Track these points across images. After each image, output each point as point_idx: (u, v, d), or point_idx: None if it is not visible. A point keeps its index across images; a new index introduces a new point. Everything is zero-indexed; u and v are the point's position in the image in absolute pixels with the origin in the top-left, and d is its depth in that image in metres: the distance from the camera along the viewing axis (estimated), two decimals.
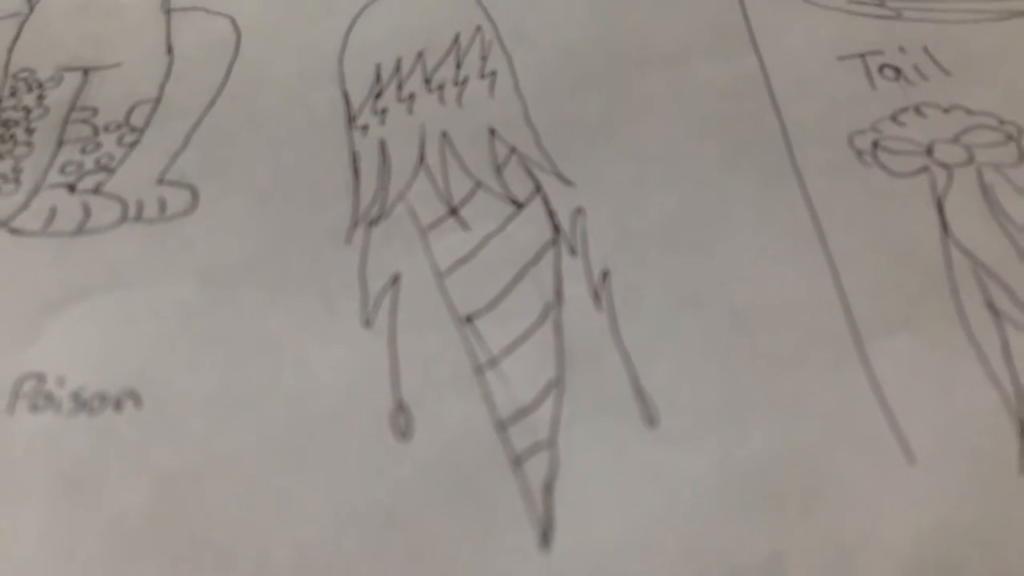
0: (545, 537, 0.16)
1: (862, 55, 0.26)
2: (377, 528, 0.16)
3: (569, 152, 0.23)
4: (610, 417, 0.18)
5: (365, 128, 0.23)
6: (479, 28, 0.26)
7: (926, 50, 0.26)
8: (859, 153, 0.23)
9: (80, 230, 0.21)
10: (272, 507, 0.17)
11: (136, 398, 0.18)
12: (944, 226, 0.21)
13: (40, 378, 0.18)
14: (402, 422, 0.18)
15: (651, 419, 0.18)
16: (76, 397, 0.18)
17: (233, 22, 0.26)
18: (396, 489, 0.17)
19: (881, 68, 0.25)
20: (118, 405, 0.18)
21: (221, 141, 0.23)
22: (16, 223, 0.21)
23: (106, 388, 0.18)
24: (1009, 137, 0.23)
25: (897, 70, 0.25)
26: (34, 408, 0.18)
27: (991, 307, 0.20)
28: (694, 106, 0.24)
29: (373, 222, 0.21)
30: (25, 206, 0.21)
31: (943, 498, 0.17)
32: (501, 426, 0.18)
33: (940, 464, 0.17)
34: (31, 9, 0.26)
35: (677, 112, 0.24)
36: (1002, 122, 0.24)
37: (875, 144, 0.23)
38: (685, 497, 0.17)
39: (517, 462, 0.17)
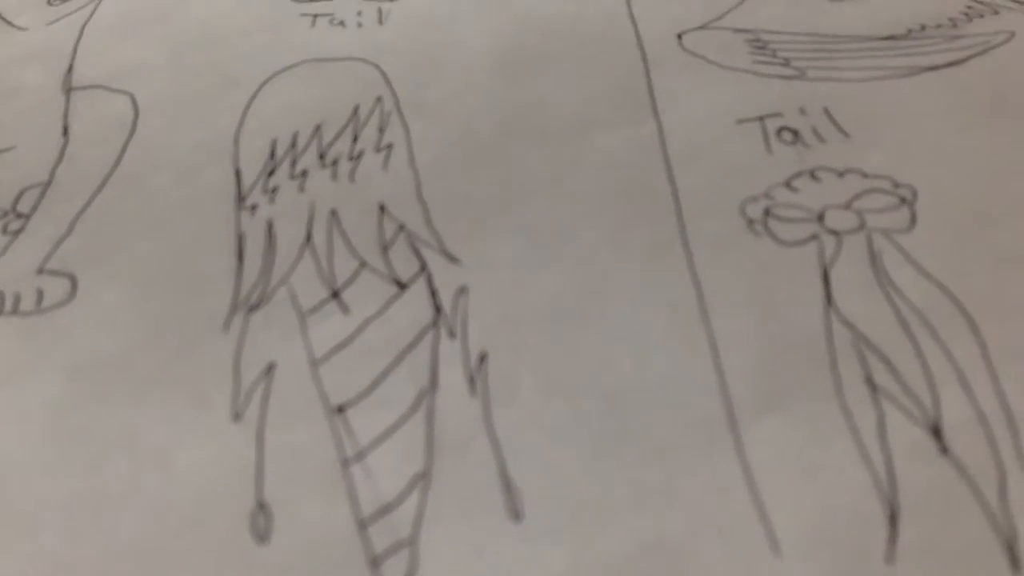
0: None
1: (761, 118, 0.26)
2: None
3: (459, 229, 0.23)
4: (475, 512, 0.17)
5: (254, 208, 0.23)
6: (379, 99, 0.26)
7: (826, 111, 0.26)
8: (750, 222, 0.23)
9: None
10: None
11: None
12: (828, 297, 0.21)
13: None
14: (261, 524, 0.17)
15: (516, 513, 0.18)
16: None
17: (133, 99, 0.26)
18: None
19: (779, 131, 0.25)
20: None
21: (107, 226, 0.22)
22: None
23: None
24: (903, 200, 0.23)
25: (795, 133, 0.25)
26: None
27: (869, 382, 0.20)
28: (589, 179, 0.24)
29: (253, 308, 0.21)
30: None
31: None
32: (362, 525, 0.17)
33: (805, 555, 0.17)
34: None
35: (571, 185, 0.24)
36: (897, 185, 0.24)
37: (766, 212, 0.23)
38: None
39: (375, 563, 0.17)
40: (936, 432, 0.19)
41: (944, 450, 0.18)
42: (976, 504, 0.18)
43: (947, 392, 0.19)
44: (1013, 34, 0.28)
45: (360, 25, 0.29)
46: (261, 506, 0.18)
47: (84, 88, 0.26)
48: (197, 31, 0.28)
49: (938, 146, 0.25)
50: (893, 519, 0.17)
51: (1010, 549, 0.17)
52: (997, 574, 0.17)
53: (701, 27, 0.29)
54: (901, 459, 0.18)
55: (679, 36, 0.28)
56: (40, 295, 0.21)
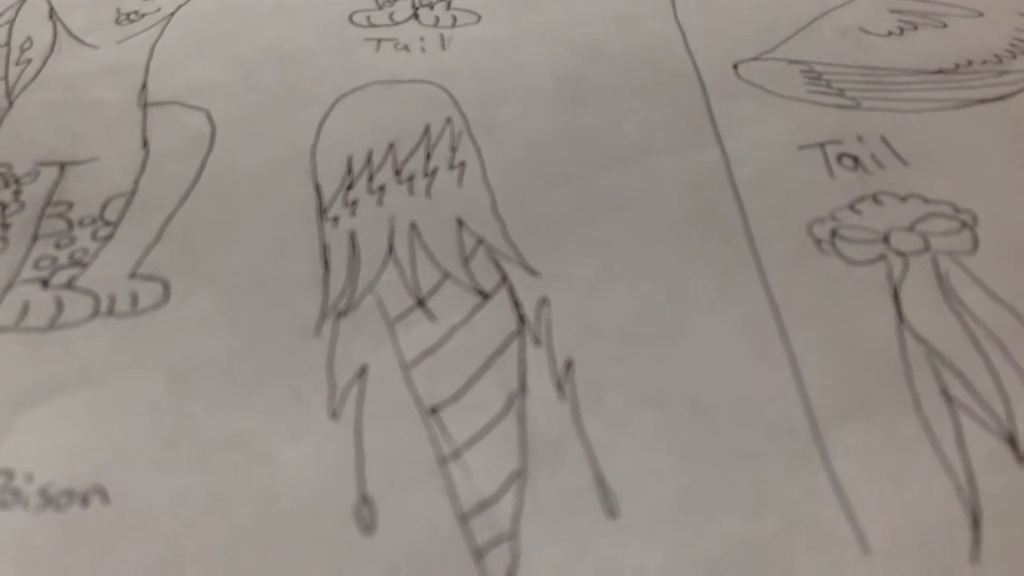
0: None
1: (821, 144, 0.27)
2: None
3: (535, 244, 0.24)
4: (572, 509, 0.18)
5: (336, 220, 0.24)
6: (449, 120, 0.27)
7: (883, 139, 0.27)
8: (818, 242, 0.24)
9: (52, 325, 0.21)
10: None
11: (103, 495, 0.18)
12: (900, 314, 0.22)
13: (8, 474, 0.19)
14: (366, 516, 0.18)
15: (612, 511, 0.18)
16: (43, 493, 0.18)
17: (208, 116, 0.27)
18: None
19: (840, 157, 0.27)
20: (85, 501, 0.18)
21: (194, 234, 0.23)
22: None
23: (73, 485, 0.18)
24: (964, 225, 0.24)
25: (855, 159, 0.27)
26: (2, 505, 0.18)
27: (945, 395, 0.21)
28: (658, 200, 0.25)
29: (342, 314, 0.22)
30: None
31: None
32: (463, 519, 0.18)
33: (894, 555, 0.18)
34: (10, 104, 0.27)
35: (641, 207, 0.25)
36: (958, 210, 0.25)
37: (833, 233, 0.24)
38: None
39: (479, 555, 0.18)
40: (1012, 442, 0.20)
41: (1021, 459, 0.19)
42: None
43: (1020, 404, 0.20)
44: None
45: (423, 50, 0.30)
46: (365, 499, 0.18)
47: (160, 104, 0.27)
48: (266, 53, 0.29)
49: (994, 175, 0.26)
50: (976, 523, 0.18)
51: None
52: None
53: (755, 58, 0.30)
54: (980, 467, 0.19)
55: (735, 66, 0.30)
56: (135, 298, 0.22)
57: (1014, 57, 0.30)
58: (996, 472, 0.19)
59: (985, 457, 0.19)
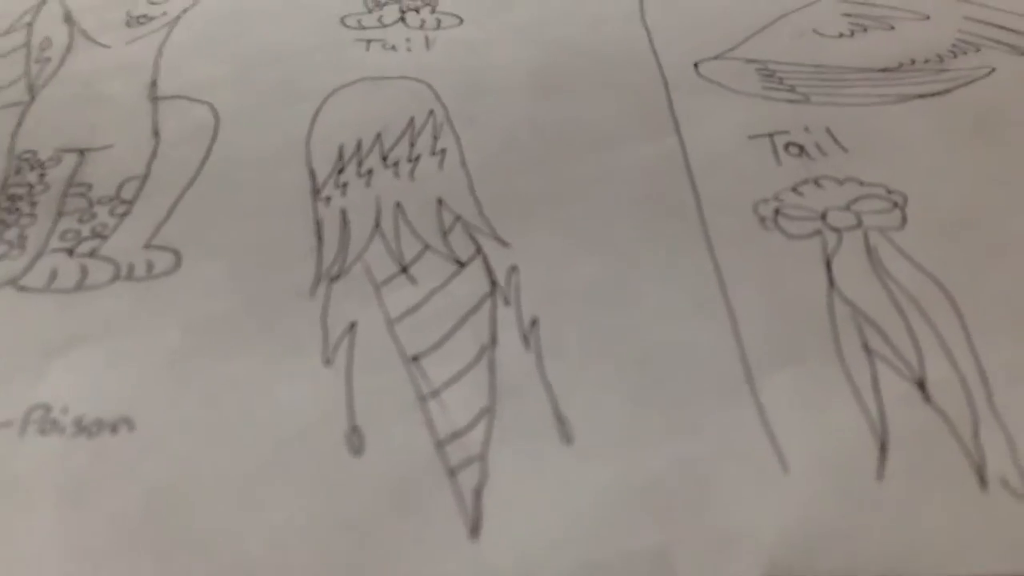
0: (474, 531, 0.21)
1: (770, 134, 0.31)
2: (335, 525, 0.21)
3: (507, 220, 0.28)
4: (533, 437, 0.22)
5: (328, 199, 0.28)
6: (431, 112, 0.31)
7: (828, 130, 0.31)
8: (762, 219, 0.28)
9: (78, 287, 0.26)
10: (248, 512, 0.21)
11: (130, 423, 0.22)
12: (831, 281, 0.26)
13: (47, 408, 0.23)
14: (356, 441, 0.22)
15: (568, 438, 0.22)
16: (78, 423, 0.22)
17: (212, 108, 0.31)
18: (350, 496, 0.21)
19: (787, 146, 0.31)
20: (114, 429, 0.22)
21: (201, 212, 0.28)
22: (23, 282, 0.26)
23: (103, 415, 0.22)
24: (895, 205, 0.29)
25: (801, 147, 0.31)
26: (42, 432, 0.22)
27: (866, 347, 0.25)
28: (619, 184, 0.29)
29: (334, 279, 0.26)
30: (30, 268, 0.26)
31: (810, 499, 0.21)
32: (439, 445, 0.22)
33: (810, 473, 0.22)
34: (33, 98, 0.31)
35: (604, 189, 0.29)
36: (890, 192, 0.29)
37: (776, 211, 0.28)
38: (593, 500, 0.21)
39: (452, 473, 0.22)
40: (921, 385, 0.24)
41: (927, 399, 0.23)
42: (952, 439, 0.23)
43: (931, 355, 0.24)
44: (993, 69, 0.34)
45: (409, 50, 0.34)
46: (354, 428, 0.22)
47: (168, 98, 0.31)
48: (264, 52, 0.33)
49: (926, 161, 0.30)
50: (883, 448, 0.22)
51: (979, 473, 0.22)
52: (968, 490, 0.22)
53: (715, 57, 0.34)
54: (891, 405, 0.23)
55: (696, 65, 0.34)
56: (151, 265, 0.26)
57: (955, 57, 0.34)
58: (905, 409, 0.23)
59: (896, 397, 0.24)
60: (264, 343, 0.24)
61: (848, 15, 0.36)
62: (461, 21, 0.36)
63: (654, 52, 0.34)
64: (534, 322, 0.25)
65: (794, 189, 0.29)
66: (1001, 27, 0.35)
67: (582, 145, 0.30)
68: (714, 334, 0.25)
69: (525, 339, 0.25)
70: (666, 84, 0.33)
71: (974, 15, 0.36)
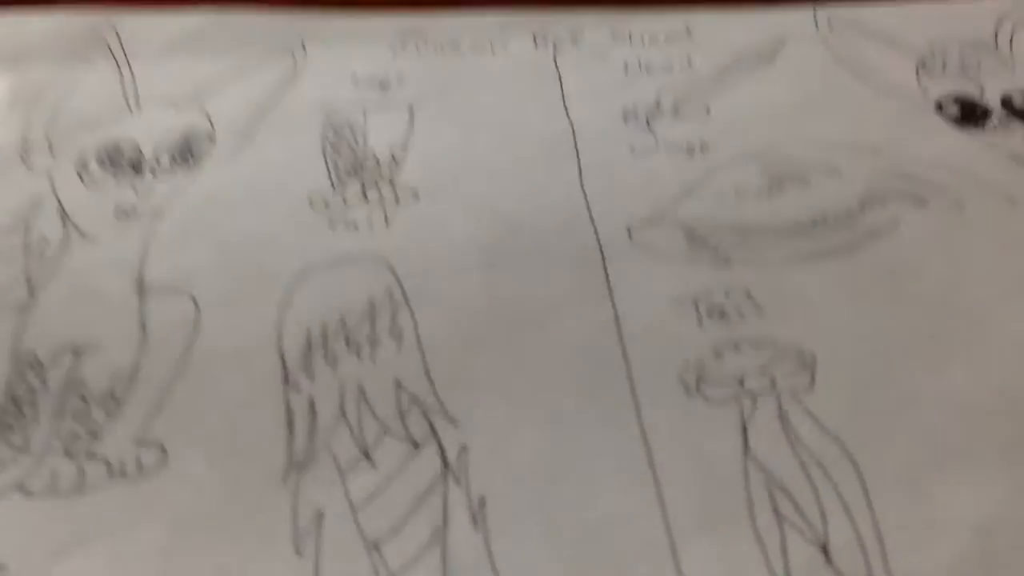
0: None
1: (694, 299, 0.34)
2: None
3: (458, 398, 0.31)
4: None
5: (298, 387, 0.31)
6: (390, 292, 0.35)
7: (747, 291, 0.35)
8: (686, 386, 0.31)
9: (77, 490, 0.29)
10: None
11: None
12: (746, 446, 0.29)
13: None
14: None
15: None
16: None
17: (194, 299, 0.34)
18: None
19: (709, 309, 0.34)
20: None
21: (185, 406, 0.31)
22: (28, 486, 0.29)
23: None
24: (804, 366, 0.32)
25: (722, 310, 0.34)
26: None
27: (776, 513, 0.28)
28: (560, 355, 0.32)
29: (303, 467, 0.29)
30: (34, 471, 0.29)
31: None
32: None
33: None
34: (33, 299, 0.34)
35: (546, 362, 0.32)
36: (801, 353, 0.32)
37: (699, 378, 0.32)
38: None
39: None
40: (824, 549, 0.27)
41: (829, 562, 0.26)
42: None
43: (834, 519, 0.27)
44: (898, 223, 0.37)
45: (371, 227, 0.37)
46: None
47: (154, 290, 0.35)
48: (239, 238, 0.37)
49: (834, 320, 0.33)
50: None
51: None
52: None
53: (646, 221, 0.38)
54: (797, 570, 0.26)
55: (629, 230, 0.37)
56: (139, 463, 0.29)
57: (863, 212, 0.38)
58: (809, 573, 0.26)
59: (802, 562, 0.27)
60: (243, 534, 0.27)
61: (767, 173, 0.40)
62: (417, 195, 0.39)
63: (592, 220, 0.38)
64: (482, 501, 0.28)
65: (715, 354, 0.32)
66: (904, 177, 0.39)
67: (527, 319, 0.34)
68: (642, 504, 0.28)
69: (474, 519, 0.28)
70: (602, 253, 0.36)
71: (880, 166, 0.40)
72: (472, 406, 0.31)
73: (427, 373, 0.32)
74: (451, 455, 0.29)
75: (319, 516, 0.28)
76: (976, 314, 0.33)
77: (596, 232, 0.37)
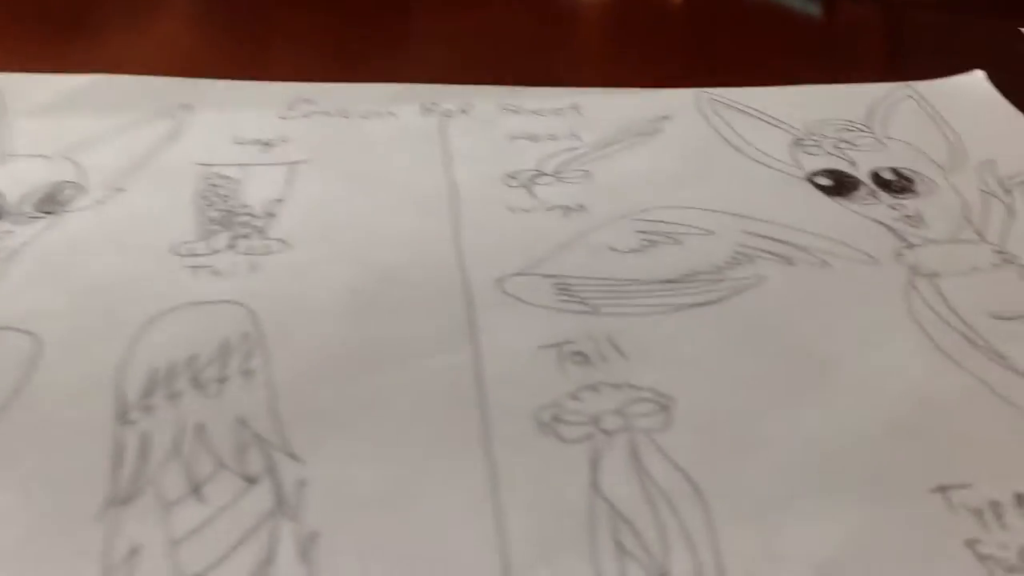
0: None
1: (559, 345, 0.34)
2: None
3: (304, 436, 0.29)
4: None
5: (132, 423, 0.30)
6: (247, 334, 0.33)
7: (611, 339, 0.34)
8: (540, 425, 0.30)
9: None
10: None
11: None
12: (595, 481, 0.28)
13: None
14: None
15: None
16: None
17: (37, 338, 0.33)
18: None
19: (571, 355, 0.33)
20: None
21: (5, 441, 0.29)
22: None
23: None
24: (662, 407, 0.31)
25: (585, 355, 0.33)
26: None
27: (618, 544, 0.26)
28: (414, 395, 0.31)
29: (124, 501, 0.27)
30: None
31: None
32: None
33: None
34: None
35: (400, 400, 0.31)
36: (660, 395, 0.31)
37: (554, 417, 0.31)
38: None
39: None
40: None
41: None
42: None
43: (676, 550, 0.26)
44: (764, 278, 0.37)
45: (235, 274, 0.36)
46: None
47: None
48: (95, 282, 0.36)
49: (695, 365, 0.33)
50: None
51: None
52: None
53: (518, 273, 0.37)
54: None
55: (499, 280, 0.37)
56: None
57: (731, 268, 0.38)
58: None
59: None
60: (48, 570, 0.25)
61: (642, 232, 0.40)
62: (288, 246, 0.38)
63: (463, 270, 0.37)
64: (314, 537, 0.26)
65: (573, 395, 0.31)
66: (774, 239, 0.39)
67: (387, 360, 0.33)
68: (481, 537, 0.26)
69: (303, 554, 0.26)
70: (469, 301, 0.35)
71: (751, 229, 0.40)
72: (318, 442, 0.29)
73: (274, 410, 0.30)
74: (287, 490, 0.28)
75: (135, 551, 0.26)
76: (832, 362, 0.33)
77: (466, 282, 0.36)
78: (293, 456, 0.29)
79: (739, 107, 0.50)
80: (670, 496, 0.28)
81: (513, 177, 0.43)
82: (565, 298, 0.36)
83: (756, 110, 0.49)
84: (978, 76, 0.53)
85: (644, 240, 0.39)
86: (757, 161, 0.45)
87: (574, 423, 0.30)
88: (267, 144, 0.45)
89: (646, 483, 0.28)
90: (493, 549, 0.26)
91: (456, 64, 0.55)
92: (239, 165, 0.43)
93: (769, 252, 0.38)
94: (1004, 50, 0.57)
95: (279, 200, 0.41)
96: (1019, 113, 0.49)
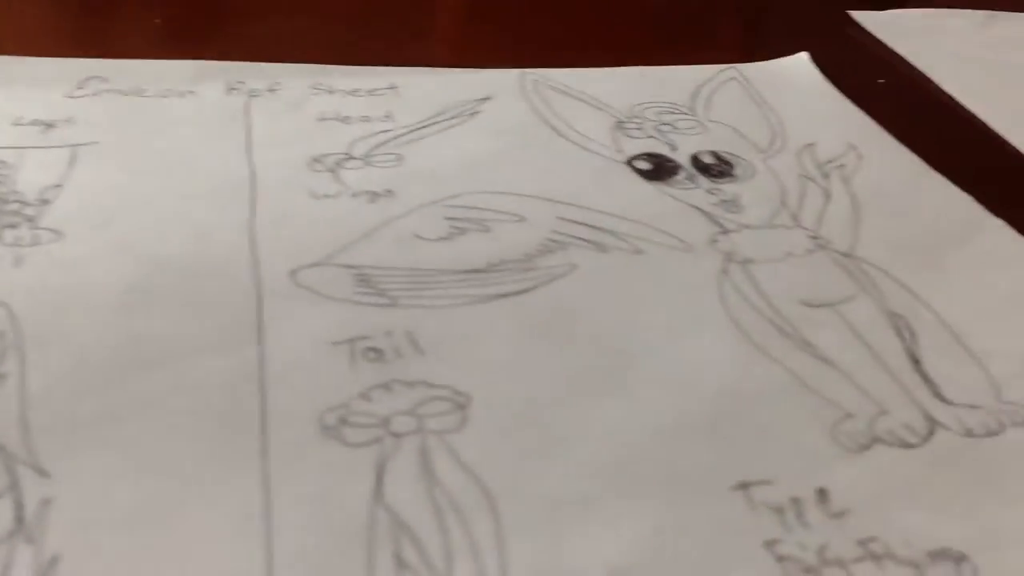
0: None
1: (352, 340, 0.31)
2: None
3: (57, 446, 0.27)
4: None
5: None
6: (1, 333, 0.30)
7: (409, 333, 0.32)
8: (325, 429, 0.28)
9: None
10: None
11: None
12: (378, 490, 0.26)
13: None
14: None
15: None
16: None
17: None
18: None
19: (365, 351, 0.31)
20: None
21: None
22: None
23: None
24: (459, 406, 0.29)
25: (379, 351, 0.31)
26: None
27: (397, 557, 0.24)
28: (186, 398, 0.29)
29: None
30: None
31: None
32: None
33: None
34: None
35: (169, 404, 0.28)
36: (457, 393, 0.30)
37: (341, 420, 0.28)
38: None
39: None
40: None
41: None
42: None
43: (460, 560, 0.24)
44: (575, 267, 0.35)
45: None
46: None
47: None
48: None
49: (496, 360, 0.31)
50: None
51: None
52: None
53: (315, 264, 0.35)
54: None
55: (293, 272, 0.34)
56: None
57: (541, 256, 0.36)
58: None
59: None
60: None
61: (450, 219, 0.38)
62: (61, 237, 0.35)
63: (255, 262, 0.35)
64: (55, 562, 0.24)
65: (364, 395, 0.29)
66: (588, 226, 0.38)
67: (159, 362, 0.30)
68: (245, 566, 0.24)
69: None
70: (259, 294, 0.33)
71: (565, 215, 0.38)
72: (71, 455, 0.26)
73: (23, 419, 0.27)
74: (29, 509, 0.25)
75: None
76: (639, 354, 0.31)
77: (257, 274, 0.34)
78: (40, 471, 0.26)
79: (563, 89, 0.48)
80: (459, 503, 0.26)
81: (319, 161, 0.41)
82: (364, 290, 0.34)
83: (579, 91, 0.48)
84: (802, 58, 0.52)
85: (453, 227, 0.37)
86: (577, 144, 0.44)
87: (361, 426, 0.28)
88: (49, 125, 0.42)
89: (434, 490, 0.26)
90: (261, 571, 0.24)
91: (272, 41, 0.52)
92: (14, 148, 0.40)
93: (582, 239, 0.37)
94: (831, 32, 0.58)
95: (57, 186, 0.38)
96: (841, 96, 0.49)
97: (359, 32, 0.55)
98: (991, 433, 0.29)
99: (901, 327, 0.33)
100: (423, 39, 0.56)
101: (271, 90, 0.46)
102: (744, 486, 0.27)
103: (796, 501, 0.27)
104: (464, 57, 0.51)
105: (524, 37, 0.56)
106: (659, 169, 0.42)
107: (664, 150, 0.43)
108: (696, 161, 0.42)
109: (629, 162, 0.42)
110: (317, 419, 0.28)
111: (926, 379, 0.31)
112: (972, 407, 0.30)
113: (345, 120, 0.44)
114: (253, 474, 0.26)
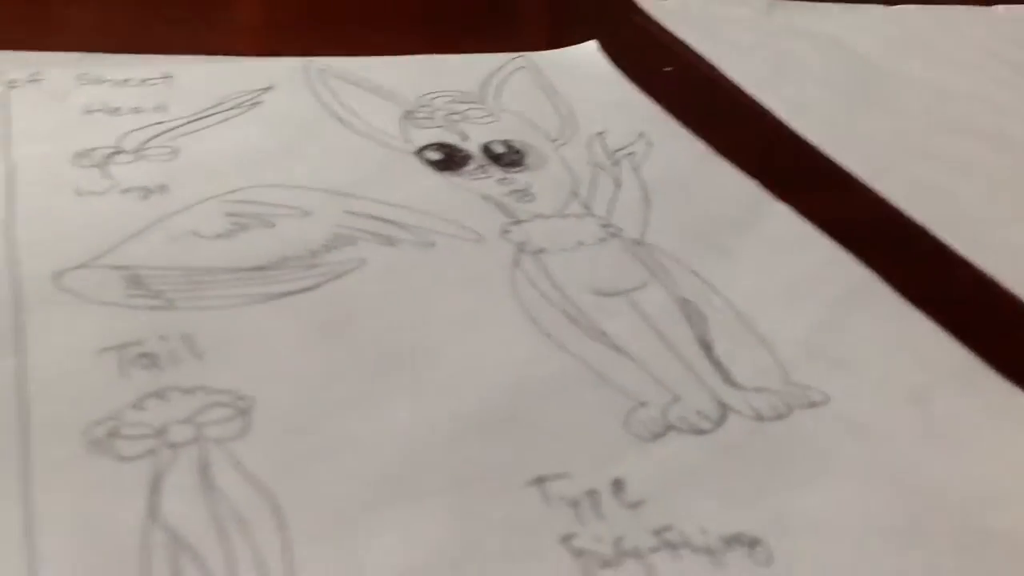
0: None
1: (122, 346, 0.30)
2: None
3: None
4: None
5: None
6: None
7: (185, 336, 0.30)
8: (93, 443, 0.26)
9: None
10: None
11: None
12: (154, 506, 0.25)
13: None
14: None
15: None
16: None
17: None
18: None
19: (137, 357, 0.29)
20: None
21: None
22: None
23: None
24: (241, 412, 0.28)
25: (153, 358, 0.29)
26: None
27: None
28: None
29: None
30: None
31: None
32: None
33: None
34: None
35: None
36: (240, 398, 0.28)
37: (111, 432, 0.27)
38: None
39: None
40: None
41: None
42: None
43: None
44: (364, 261, 0.35)
45: None
46: None
47: None
48: None
49: (280, 362, 0.30)
50: None
51: None
52: None
53: (80, 266, 0.33)
54: None
55: (57, 275, 0.32)
56: None
57: (328, 251, 0.35)
58: None
59: None
60: None
61: (230, 215, 0.36)
62: None
63: (13, 265, 0.32)
64: None
65: (136, 405, 0.28)
66: (376, 219, 0.37)
67: None
68: None
69: None
70: (18, 300, 0.31)
71: (353, 208, 0.38)
72: None
73: None
74: None
75: None
76: (430, 350, 0.31)
77: (16, 278, 0.32)
78: None
79: (349, 77, 0.47)
80: (242, 514, 0.25)
81: (85, 156, 0.39)
82: (136, 292, 0.32)
83: (367, 80, 0.47)
84: (591, 47, 0.53)
85: (233, 223, 0.36)
86: (365, 135, 0.43)
87: (134, 437, 0.27)
88: None
89: (217, 503, 0.25)
90: None
91: (37, 26, 0.49)
92: None
93: (370, 232, 0.36)
94: (617, 20, 0.59)
95: None
96: (630, 84, 0.50)
97: (136, 16, 0.52)
98: (780, 416, 0.30)
99: (692, 313, 0.34)
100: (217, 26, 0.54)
101: (33, 80, 0.43)
102: (540, 481, 0.27)
103: (592, 493, 0.27)
104: (264, 44, 0.50)
105: (324, 19, 0.55)
106: (449, 159, 0.42)
107: (454, 140, 0.43)
108: (487, 150, 0.43)
109: (419, 152, 0.42)
110: (84, 433, 0.27)
111: (717, 365, 0.32)
112: (761, 391, 0.31)
113: (114, 112, 0.42)
114: (12, 495, 0.25)
